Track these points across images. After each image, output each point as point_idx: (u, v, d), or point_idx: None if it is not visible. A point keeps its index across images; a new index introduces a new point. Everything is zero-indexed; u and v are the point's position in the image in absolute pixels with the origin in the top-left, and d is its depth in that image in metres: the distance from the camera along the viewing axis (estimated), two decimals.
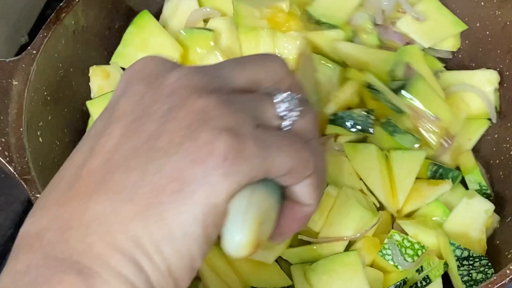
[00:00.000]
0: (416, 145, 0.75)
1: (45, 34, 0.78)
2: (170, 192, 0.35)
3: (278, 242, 0.45)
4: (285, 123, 0.41)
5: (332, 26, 0.84)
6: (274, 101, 0.40)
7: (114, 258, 0.35)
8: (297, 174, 0.40)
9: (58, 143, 0.78)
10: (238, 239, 0.38)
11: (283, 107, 0.40)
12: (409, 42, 0.87)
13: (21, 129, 0.71)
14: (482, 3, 0.86)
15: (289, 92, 0.41)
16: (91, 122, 0.83)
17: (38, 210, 0.38)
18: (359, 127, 0.75)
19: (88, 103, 0.82)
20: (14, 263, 0.36)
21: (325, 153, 0.45)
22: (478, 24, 0.87)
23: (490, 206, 0.74)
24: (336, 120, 0.76)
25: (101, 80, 0.84)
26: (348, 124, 0.75)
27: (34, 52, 0.76)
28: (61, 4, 0.81)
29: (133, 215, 0.35)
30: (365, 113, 0.75)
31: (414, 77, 0.76)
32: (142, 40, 0.84)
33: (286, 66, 0.43)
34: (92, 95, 0.85)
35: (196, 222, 0.36)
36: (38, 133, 0.74)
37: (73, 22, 0.82)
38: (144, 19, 0.84)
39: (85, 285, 0.34)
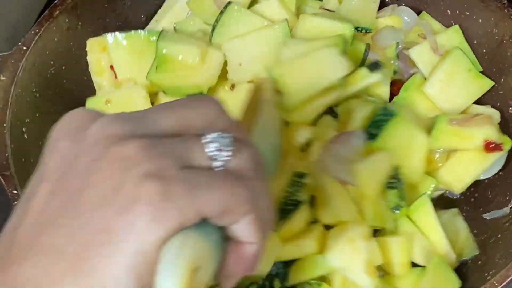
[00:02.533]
0: None
1: (37, 30, 0.78)
2: (98, 245, 0.35)
3: (227, 286, 0.43)
4: (216, 163, 0.39)
5: (366, 30, 0.85)
6: (202, 141, 0.39)
7: None
8: (232, 213, 0.39)
9: (44, 140, 0.76)
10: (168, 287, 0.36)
11: (212, 147, 0.39)
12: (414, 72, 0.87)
13: (4, 125, 0.70)
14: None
15: (218, 132, 0.40)
16: None
17: None
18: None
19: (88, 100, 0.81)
20: None
21: (269, 193, 0.43)
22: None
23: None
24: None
25: (99, 53, 0.84)
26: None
27: (25, 48, 0.76)
28: (55, 1, 0.80)
29: (63, 274, 0.35)
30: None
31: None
32: None
33: (220, 107, 0.42)
34: (89, 68, 0.84)
35: (128, 273, 0.35)
36: (24, 130, 0.74)
37: (67, 20, 0.81)
38: None
39: None
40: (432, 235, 0.74)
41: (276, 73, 0.75)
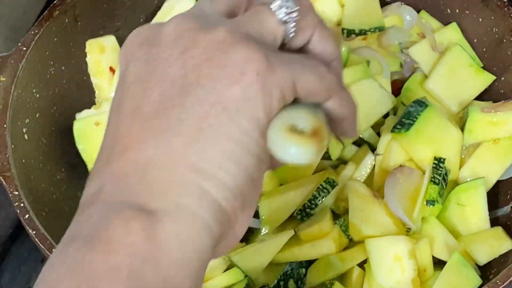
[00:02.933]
0: None
1: (37, 31, 0.78)
2: (215, 114, 0.36)
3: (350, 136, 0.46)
4: (289, 26, 0.41)
5: (379, 29, 0.85)
6: (272, 9, 0.41)
7: (173, 191, 0.35)
8: (319, 94, 0.41)
9: (44, 141, 0.77)
10: (293, 152, 0.39)
11: (282, 11, 0.41)
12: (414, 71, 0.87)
13: (4, 126, 0.70)
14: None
15: None
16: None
17: (92, 177, 0.38)
18: None
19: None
20: (76, 219, 0.37)
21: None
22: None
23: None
24: None
25: (98, 55, 0.84)
26: None
27: (24, 48, 0.76)
28: (55, 1, 0.80)
29: (186, 146, 0.36)
30: None
31: None
32: None
33: None
34: (89, 70, 0.84)
35: (247, 136, 0.37)
36: (24, 130, 0.74)
37: (66, 20, 0.81)
38: None
39: (144, 222, 0.34)
40: (475, 219, 0.74)
41: None
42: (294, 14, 0.41)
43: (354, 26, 0.85)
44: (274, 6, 0.41)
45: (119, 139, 0.37)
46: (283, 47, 0.42)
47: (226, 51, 0.37)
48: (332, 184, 0.74)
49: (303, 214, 0.74)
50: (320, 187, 0.74)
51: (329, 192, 0.74)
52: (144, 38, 0.41)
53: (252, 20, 0.40)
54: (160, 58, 0.38)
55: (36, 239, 0.63)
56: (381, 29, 0.84)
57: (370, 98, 0.79)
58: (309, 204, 0.74)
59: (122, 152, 0.37)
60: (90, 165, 0.79)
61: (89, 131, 0.78)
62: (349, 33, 0.85)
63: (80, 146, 0.79)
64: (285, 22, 0.41)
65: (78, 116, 0.80)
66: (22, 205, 0.65)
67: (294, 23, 0.41)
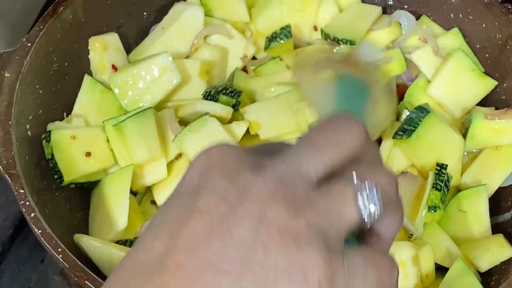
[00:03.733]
0: None
1: (41, 27, 0.77)
2: None
3: None
4: (367, 225, 0.38)
5: (350, 42, 0.85)
6: (359, 207, 0.38)
7: None
8: None
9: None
10: None
11: (364, 203, 0.38)
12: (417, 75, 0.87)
13: (9, 122, 0.70)
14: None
15: (372, 188, 0.38)
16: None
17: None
18: None
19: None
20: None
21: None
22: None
23: None
24: None
25: (101, 52, 0.83)
26: None
27: (29, 44, 0.75)
28: None
29: None
30: None
31: None
32: None
33: (364, 133, 0.40)
34: (91, 67, 0.84)
35: None
36: (27, 127, 0.73)
37: (70, 17, 0.81)
38: None
39: None
40: (477, 226, 0.74)
41: None
42: (375, 217, 0.38)
43: (330, 32, 0.86)
44: (360, 203, 0.38)
45: (163, 268, 0.35)
46: None
47: (299, 245, 0.35)
48: None
49: None
50: None
51: None
52: (230, 167, 0.38)
53: (333, 209, 0.37)
54: (236, 208, 0.36)
55: (42, 238, 0.62)
56: (352, 43, 0.85)
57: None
58: None
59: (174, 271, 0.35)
60: (65, 175, 0.74)
61: (66, 144, 0.75)
62: (326, 37, 0.86)
63: (57, 156, 0.74)
64: (361, 214, 0.38)
65: (51, 126, 0.77)
66: (27, 203, 0.64)
67: (368, 220, 0.38)
